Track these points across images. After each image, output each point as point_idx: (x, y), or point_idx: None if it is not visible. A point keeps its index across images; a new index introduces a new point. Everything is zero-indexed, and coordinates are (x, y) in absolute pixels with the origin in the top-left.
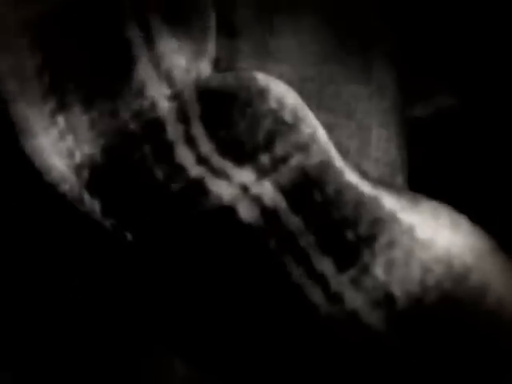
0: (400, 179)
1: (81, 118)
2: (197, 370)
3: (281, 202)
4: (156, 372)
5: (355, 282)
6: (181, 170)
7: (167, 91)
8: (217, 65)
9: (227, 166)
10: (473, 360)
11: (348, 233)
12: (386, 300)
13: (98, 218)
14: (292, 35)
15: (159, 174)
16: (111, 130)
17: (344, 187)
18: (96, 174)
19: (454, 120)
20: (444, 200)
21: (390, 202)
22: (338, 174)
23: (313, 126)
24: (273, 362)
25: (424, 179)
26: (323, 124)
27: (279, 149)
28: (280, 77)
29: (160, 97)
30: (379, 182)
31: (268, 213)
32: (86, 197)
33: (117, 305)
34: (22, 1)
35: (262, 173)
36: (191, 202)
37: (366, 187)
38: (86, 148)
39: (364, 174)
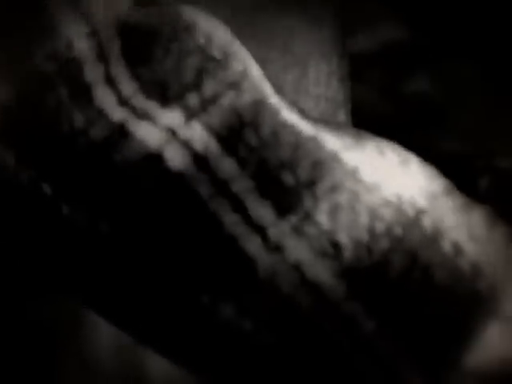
0: (342, 116)
1: None
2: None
3: (212, 146)
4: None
5: (297, 230)
6: (101, 113)
7: (84, 29)
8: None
9: (152, 107)
10: (429, 311)
11: (287, 176)
12: (331, 249)
13: (11, 171)
14: None
15: (77, 118)
16: (24, 73)
17: (280, 127)
18: (9, 122)
19: (403, 54)
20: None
21: (331, 141)
22: (274, 112)
23: (244, 61)
24: (206, 317)
25: (369, 118)
26: (257, 59)
27: (208, 87)
28: (209, 9)
29: (76, 35)
30: (319, 119)
31: (199, 158)
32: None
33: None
34: None
35: (191, 114)
36: (113, 149)
37: (304, 126)
38: None
39: (302, 112)
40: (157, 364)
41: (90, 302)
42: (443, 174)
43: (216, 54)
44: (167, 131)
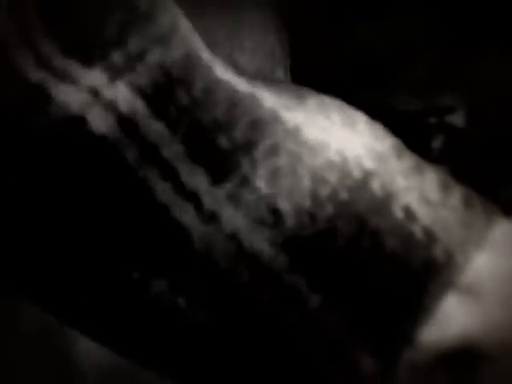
0: (281, 72)
1: None
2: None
3: (139, 107)
4: None
5: (233, 198)
6: (18, 74)
7: None
8: None
9: (73, 67)
10: (379, 282)
11: (221, 139)
12: (271, 217)
13: None
14: None
15: None
16: None
17: (214, 85)
18: None
19: (347, 6)
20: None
21: (269, 99)
22: (206, 69)
23: (173, 14)
24: (137, 295)
25: (311, 75)
26: (186, 12)
27: (134, 43)
28: None
29: None
30: (256, 76)
31: (124, 120)
32: None
33: None
34: None
35: (115, 73)
36: (33, 112)
37: (240, 84)
38: None
39: (238, 68)
40: (84, 347)
41: (12, 280)
42: (393, 133)
43: (142, 5)
44: (90, 92)
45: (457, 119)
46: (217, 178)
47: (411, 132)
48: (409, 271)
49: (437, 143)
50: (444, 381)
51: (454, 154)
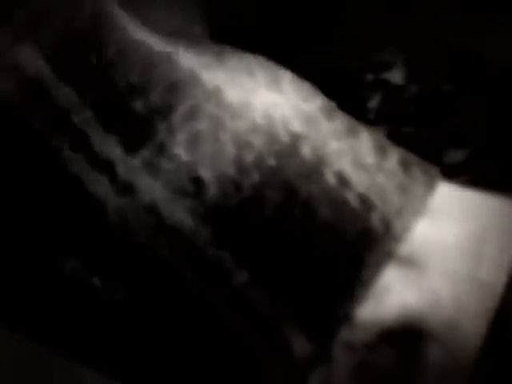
0: (200, 29)
1: None
2: None
3: (45, 70)
4: None
5: (150, 166)
6: None
7: None
8: None
9: None
10: (312, 255)
11: (136, 104)
12: (192, 186)
13: None
14: None
15: None
16: None
17: (128, 46)
18: None
19: None
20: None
21: (187, 60)
22: (119, 29)
23: None
24: (48, 275)
25: (235, 30)
26: None
27: (37, 1)
28: None
29: None
30: (173, 34)
31: (30, 84)
32: None
33: None
34: None
35: (19, 34)
36: None
37: (156, 44)
38: None
39: (153, 26)
40: None
41: None
42: (328, 93)
43: None
44: None
45: (395, 76)
46: (132, 146)
47: (347, 91)
48: (344, 242)
49: (374, 102)
50: (386, 361)
51: (393, 114)
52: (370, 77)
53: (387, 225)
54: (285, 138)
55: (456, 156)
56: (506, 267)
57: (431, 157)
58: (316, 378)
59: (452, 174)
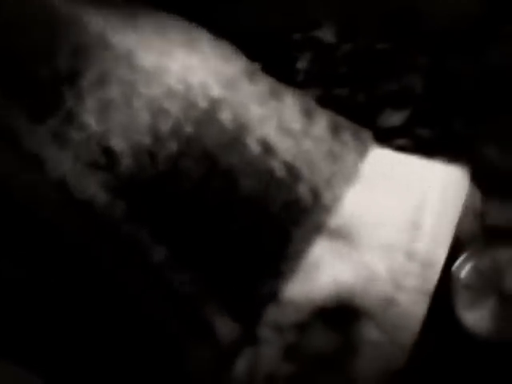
0: None
1: None
2: None
3: None
4: None
5: (58, 137)
6: None
7: None
8: None
9: None
10: (235, 229)
11: (41, 69)
12: (104, 158)
13: None
14: None
15: None
16: None
17: (29, 8)
18: None
19: None
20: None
21: (96, 22)
22: None
23: None
24: None
25: None
26: None
27: None
28: None
29: None
30: None
31: None
32: None
33: None
34: None
35: None
36: None
37: (61, 5)
38: None
39: None
40: None
41: None
42: (253, 55)
43: None
44: None
45: (325, 34)
46: (37, 115)
47: (272, 52)
48: (269, 215)
49: (303, 63)
50: (318, 341)
51: (324, 75)
52: (297, 36)
53: (316, 195)
54: (203, 103)
55: (393, 119)
56: (446, 238)
57: (366, 120)
58: (243, 360)
59: (388, 138)
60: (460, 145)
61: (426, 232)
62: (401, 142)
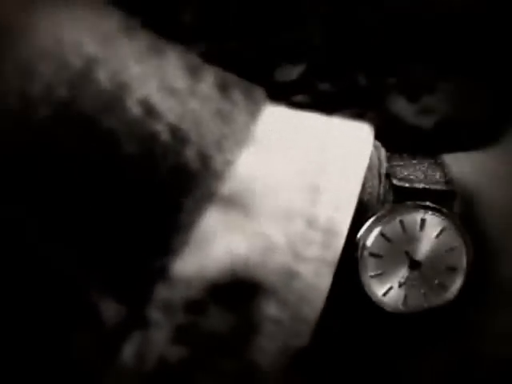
0: None
1: None
2: None
3: None
4: None
5: None
6: None
7: None
8: None
9: None
10: (116, 200)
11: None
12: None
13: None
14: None
15: None
16: None
17: None
18: None
19: None
20: None
21: None
22: None
23: None
24: None
25: None
26: None
27: None
28: None
29: None
30: None
31: None
32: None
33: None
34: None
35: None
36: None
37: None
38: None
39: None
40: None
41: None
42: (131, 8)
43: None
44: None
45: None
46: None
47: (154, 5)
48: (153, 184)
49: (187, 15)
50: (214, 321)
51: (211, 28)
52: None
53: (205, 160)
54: (77, 63)
55: (289, 73)
56: (350, 202)
57: (259, 76)
58: (131, 345)
59: (285, 94)
60: (364, 99)
61: (328, 196)
62: (299, 98)
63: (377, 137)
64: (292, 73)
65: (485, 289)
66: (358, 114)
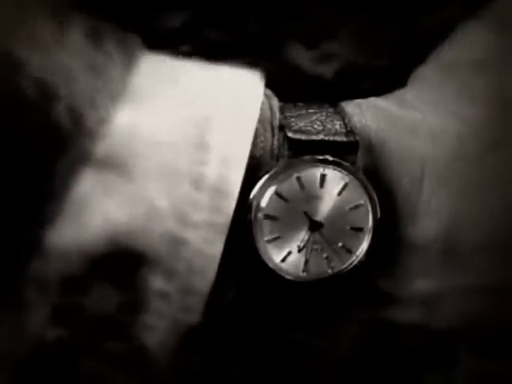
0: None
1: None
2: None
3: None
4: None
5: None
6: None
7: None
8: None
9: None
10: None
11: None
12: None
13: None
14: None
15: None
16: None
17: None
18: None
19: None
20: None
21: None
22: None
23: None
24: None
25: None
26: None
27: None
28: None
29: None
30: None
31: None
32: None
33: None
34: None
35: None
36: None
37: None
38: None
39: None
40: None
41: None
42: None
43: None
44: None
45: None
46: None
47: None
48: (22, 146)
49: None
50: (94, 298)
51: None
52: None
53: (77, 117)
54: None
55: (172, 20)
56: (241, 159)
57: (139, 24)
58: (4, 328)
59: (168, 43)
60: (257, 48)
61: (216, 153)
62: (184, 47)
63: (269, 86)
64: (176, 20)
65: (393, 251)
66: (251, 64)
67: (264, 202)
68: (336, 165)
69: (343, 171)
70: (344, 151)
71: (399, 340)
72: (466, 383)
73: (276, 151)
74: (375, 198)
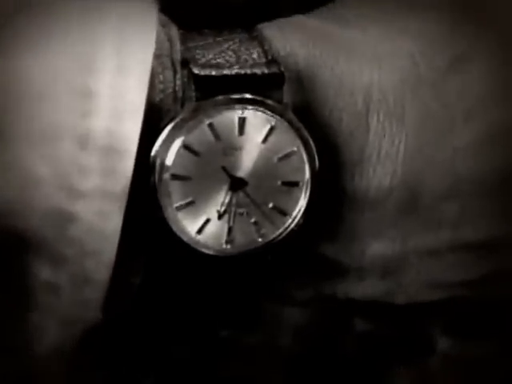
0: None
1: None
2: None
3: None
4: None
5: None
6: None
7: None
8: None
9: None
10: None
11: None
12: None
13: None
14: None
15: None
16: None
17: None
18: None
19: None
20: None
21: None
22: None
23: None
24: None
25: None
26: None
27: None
28: None
29: None
30: None
31: None
32: None
33: None
34: None
35: None
36: None
37: None
38: None
39: None
40: None
41: None
42: None
43: None
44: None
45: None
46: None
47: None
48: None
49: None
50: None
51: None
52: None
53: None
54: None
55: None
56: (135, 109)
57: None
58: None
59: None
60: None
61: (103, 102)
62: None
63: (165, 11)
64: None
65: (338, 209)
66: None
67: (170, 159)
68: (257, 104)
69: (267, 112)
70: (266, 86)
71: (354, 324)
72: (443, 374)
73: (180, 93)
74: (311, 142)
